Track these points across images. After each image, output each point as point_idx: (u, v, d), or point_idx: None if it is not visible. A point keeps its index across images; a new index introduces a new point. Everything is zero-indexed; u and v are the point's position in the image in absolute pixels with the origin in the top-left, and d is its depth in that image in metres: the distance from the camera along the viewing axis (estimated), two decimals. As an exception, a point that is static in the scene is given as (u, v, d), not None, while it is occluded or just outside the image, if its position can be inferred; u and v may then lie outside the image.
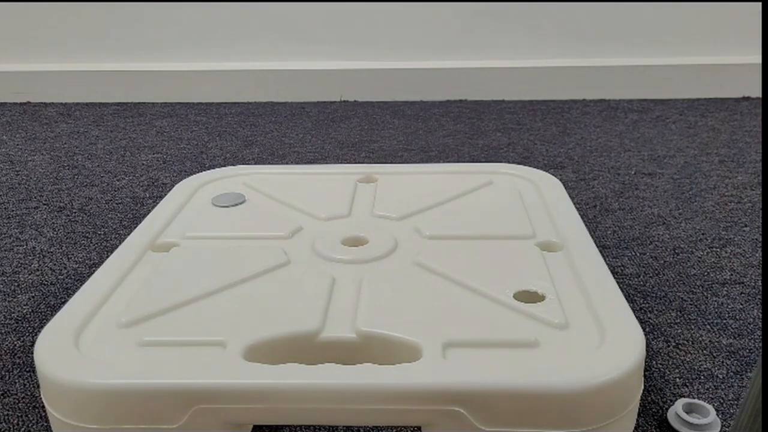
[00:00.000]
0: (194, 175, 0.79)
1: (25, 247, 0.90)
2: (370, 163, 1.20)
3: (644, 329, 0.53)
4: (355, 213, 0.68)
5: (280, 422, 0.55)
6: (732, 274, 0.80)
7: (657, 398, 0.60)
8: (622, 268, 0.82)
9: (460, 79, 1.64)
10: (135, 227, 0.65)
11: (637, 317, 0.49)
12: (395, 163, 1.18)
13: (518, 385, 0.42)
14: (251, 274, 0.56)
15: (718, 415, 0.56)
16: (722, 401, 0.59)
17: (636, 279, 0.79)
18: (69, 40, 1.67)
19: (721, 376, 0.62)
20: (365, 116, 1.52)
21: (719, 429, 0.55)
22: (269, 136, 1.38)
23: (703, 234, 0.90)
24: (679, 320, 0.71)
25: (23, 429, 0.58)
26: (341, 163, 1.20)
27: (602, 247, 0.59)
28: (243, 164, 1.11)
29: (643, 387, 0.47)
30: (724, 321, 0.71)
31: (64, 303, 0.52)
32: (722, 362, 0.64)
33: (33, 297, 0.78)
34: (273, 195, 0.72)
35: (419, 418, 0.45)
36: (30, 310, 0.76)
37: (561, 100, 1.61)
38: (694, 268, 0.82)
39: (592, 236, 0.61)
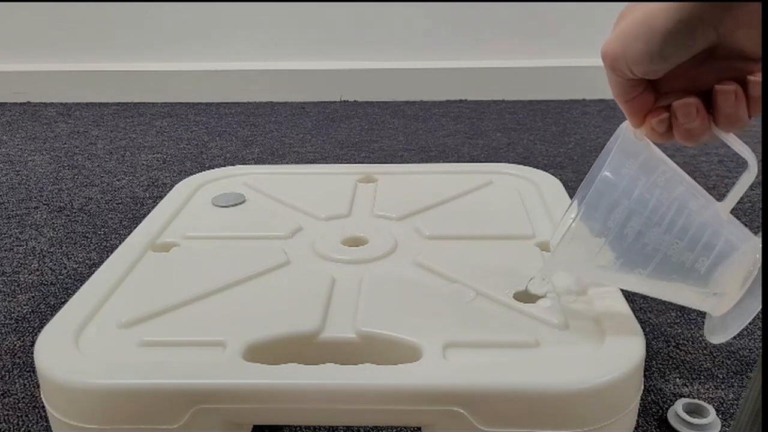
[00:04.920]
0: (194, 175, 0.79)
1: (25, 247, 0.90)
2: (370, 163, 1.20)
3: (644, 329, 0.53)
4: (355, 213, 0.68)
5: (280, 422, 0.55)
6: (732, 274, 0.80)
7: (657, 398, 0.60)
8: (622, 268, 0.82)
9: (460, 79, 1.64)
10: (135, 227, 0.65)
11: (637, 317, 0.49)
12: (395, 163, 1.18)
13: (518, 385, 0.42)
14: (251, 274, 0.56)
15: (718, 415, 0.56)
16: (722, 401, 0.59)
17: (636, 279, 0.79)
18: (69, 40, 1.67)
19: (721, 376, 0.62)
20: (365, 116, 1.52)
21: (719, 429, 0.55)
22: (269, 136, 1.38)
23: (703, 234, 0.90)
24: (679, 320, 0.71)
25: (23, 429, 0.58)
26: (341, 163, 1.20)
27: (602, 247, 0.59)
28: (243, 164, 1.11)
29: (643, 387, 0.47)
30: (724, 321, 0.71)
31: (64, 303, 0.52)
32: (722, 362, 0.64)
33: (33, 297, 0.78)
34: (273, 195, 0.72)
35: (419, 419, 0.45)
36: (30, 310, 0.75)
37: (561, 100, 1.61)
38: (694, 268, 0.81)
39: (592, 236, 0.61)
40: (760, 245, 0.44)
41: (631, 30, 0.39)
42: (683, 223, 0.43)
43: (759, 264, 0.43)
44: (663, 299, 0.47)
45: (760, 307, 0.42)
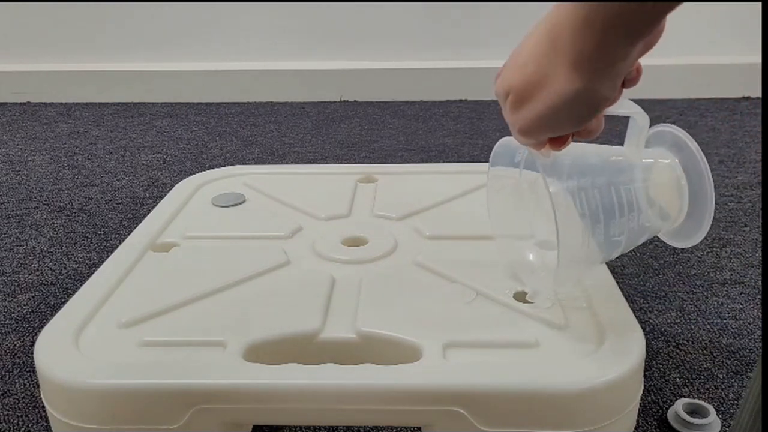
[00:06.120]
0: (194, 175, 0.79)
1: (25, 247, 0.90)
2: (370, 163, 1.20)
3: (644, 329, 0.53)
4: (355, 213, 0.68)
5: (280, 422, 0.55)
6: (732, 274, 0.80)
7: (657, 398, 0.60)
8: (622, 268, 0.82)
9: (460, 79, 1.64)
10: (135, 227, 0.65)
11: (637, 317, 0.49)
12: (395, 163, 1.18)
13: (518, 385, 0.42)
14: (251, 274, 0.56)
15: (718, 415, 0.56)
16: (722, 401, 0.59)
17: (636, 279, 0.79)
18: (69, 40, 1.67)
19: (721, 376, 0.62)
20: (365, 116, 1.52)
21: (719, 429, 0.55)
22: (269, 136, 1.38)
23: (703, 234, 0.90)
24: (679, 320, 0.71)
25: (23, 429, 0.58)
26: (341, 163, 1.20)
27: (602, 247, 0.59)
28: (243, 164, 1.11)
29: (643, 387, 0.47)
30: (724, 321, 0.71)
31: (64, 303, 0.52)
32: (722, 362, 0.64)
33: (33, 297, 0.78)
34: (273, 195, 0.72)
35: (419, 419, 0.45)
36: (30, 310, 0.76)
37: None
38: (694, 268, 0.82)
39: (592, 236, 0.61)
40: (665, 159, 0.49)
41: (557, 116, 0.39)
42: (627, 199, 0.47)
43: (679, 168, 0.48)
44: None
45: (712, 211, 0.47)
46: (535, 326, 0.48)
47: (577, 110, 0.38)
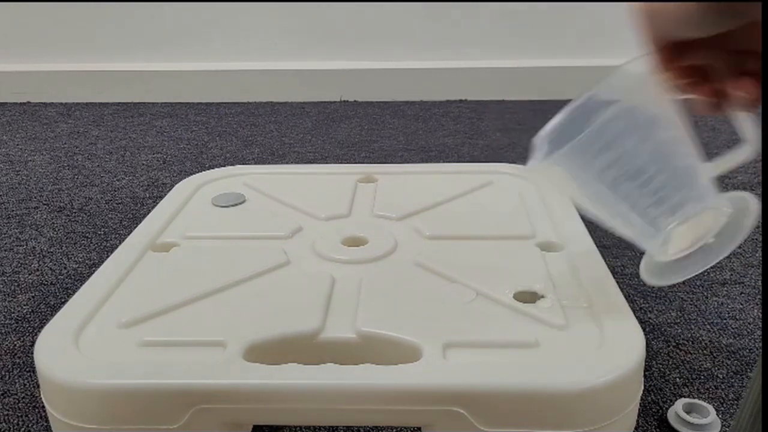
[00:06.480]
0: (194, 175, 0.79)
1: (25, 247, 0.90)
2: (370, 163, 1.20)
3: (644, 329, 0.53)
4: (355, 213, 0.68)
5: (280, 422, 0.55)
6: (732, 274, 0.80)
7: (657, 398, 0.60)
8: (622, 268, 0.82)
9: (460, 79, 1.64)
10: (135, 227, 0.65)
11: (637, 317, 0.49)
12: (395, 163, 1.18)
13: (518, 385, 0.42)
14: (251, 274, 0.56)
15: (718, 415, 0.56)
16: (722, 401, 0.59)
17: (636, 279, 0.79)
18: (69, 40, 1.67)
19: (721, 376, 0.62)
20: (365, 116, 1.52)
21: (719, 429, 0.55)
22: (269, 136, 1.38)
23: (703, 234, 0.90)
24: (679, 320, 0.71)
25: (23, 429, 0.58)
26: (341, 163, 1.20)
27: (602, 247, 0.59)
28: (243, 164, 1.11)
29: (643, 387, 0.47)
30: (724, 321, 0.71)
31: (64, 303, 0.53)
32: (722, 362, 0.65)
33: (33, 297, 0.78)
34: (273, 195, 0.72)
35: (419, 419, 0.45)
36: (30, 310, 0.76)
37: (561, 100, 1.61)
38: (694, 268, 0.82)
39: (592, 236, 0.61)
40: (725, 218, 0.46)
41: None
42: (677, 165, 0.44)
43: (713, 232, 0.45)
44: (617, 228, 0.47)
45: (700, 271, 0.44)
46: (535, 326, 0.48)
47: None
